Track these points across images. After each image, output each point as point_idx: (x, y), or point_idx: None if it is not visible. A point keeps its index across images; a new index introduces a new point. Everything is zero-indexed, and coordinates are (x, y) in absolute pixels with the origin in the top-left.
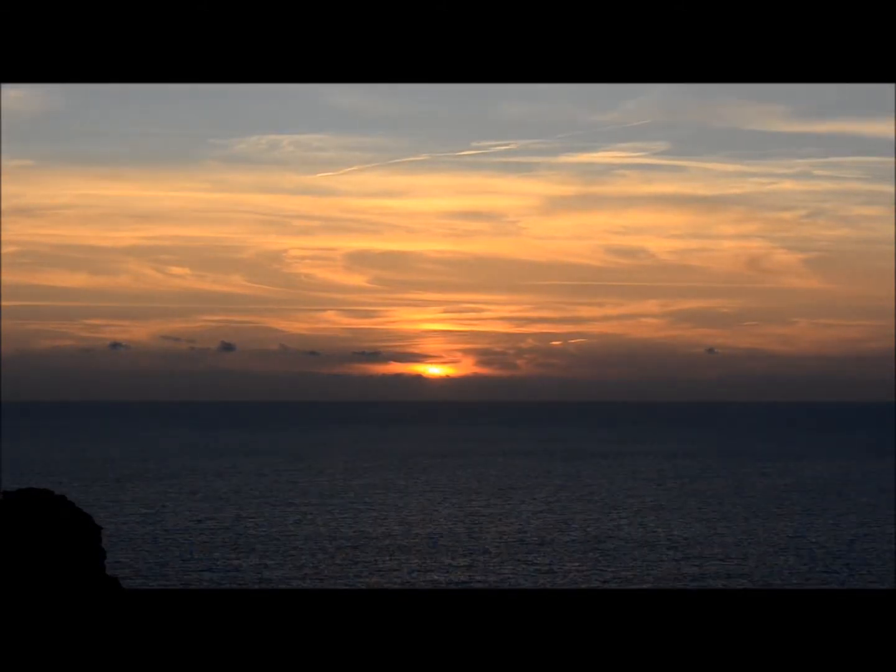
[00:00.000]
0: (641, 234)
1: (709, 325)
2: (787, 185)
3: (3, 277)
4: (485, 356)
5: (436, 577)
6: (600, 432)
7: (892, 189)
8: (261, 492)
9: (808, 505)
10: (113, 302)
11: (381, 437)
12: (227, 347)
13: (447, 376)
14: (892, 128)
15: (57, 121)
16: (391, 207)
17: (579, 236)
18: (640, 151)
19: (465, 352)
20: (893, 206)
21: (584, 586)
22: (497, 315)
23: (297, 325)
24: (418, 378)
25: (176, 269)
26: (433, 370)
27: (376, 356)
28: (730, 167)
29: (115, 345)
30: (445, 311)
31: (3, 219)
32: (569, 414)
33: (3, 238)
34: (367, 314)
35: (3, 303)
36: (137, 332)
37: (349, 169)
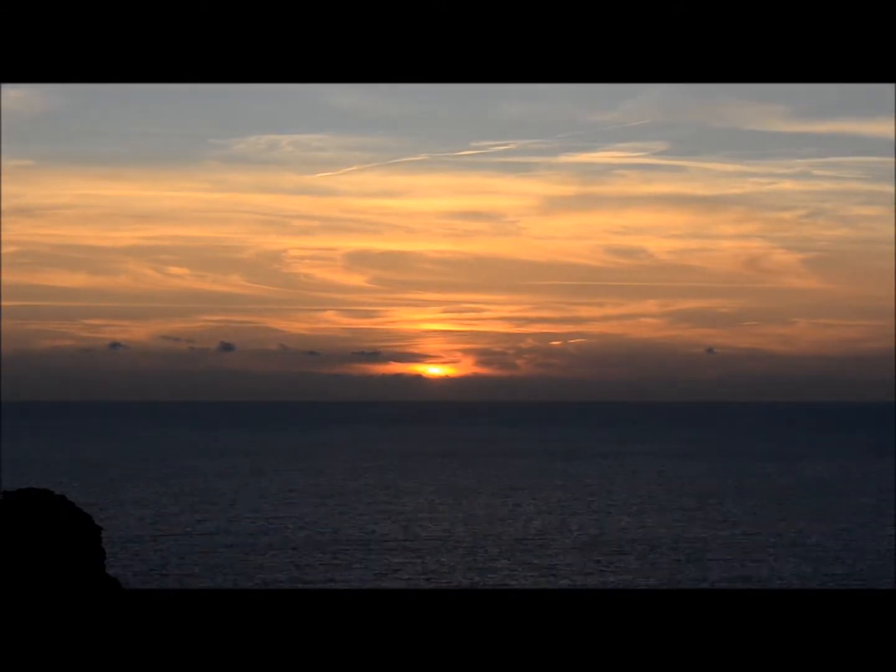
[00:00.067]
0: (641, 234)
1: (708, 325)
2: (787, 185)
3: (3, 277)
4: (484, 356)
5: (436, 578)
6: (600, 432)
7: (892, 189)
8: (261, 492)
9: (808, 505)
10: (113, 302)
11: (381, 437)
12: (227, 347)
13: (447, 376)
14: (892, 128)
15: (57, 121)
16: (391, 207)
17: (579, 236)
18: (639, 151)
19: (465, 352)
20: (893, 206)
21: (584, 586)
22: (497, 315)
23: (296, 325)
24: (418, 378)
25: (175, 269)
26: (433, 370)
27: (376, 356)
28: (729, 167)
29: (115, 345)
30: (445, 311)
31: (3, 219)
32: (568, 414)
33: (3, 238)
34: (367, 314)
35: (3, 303)
36: (137, 332)
37: (349, 169)
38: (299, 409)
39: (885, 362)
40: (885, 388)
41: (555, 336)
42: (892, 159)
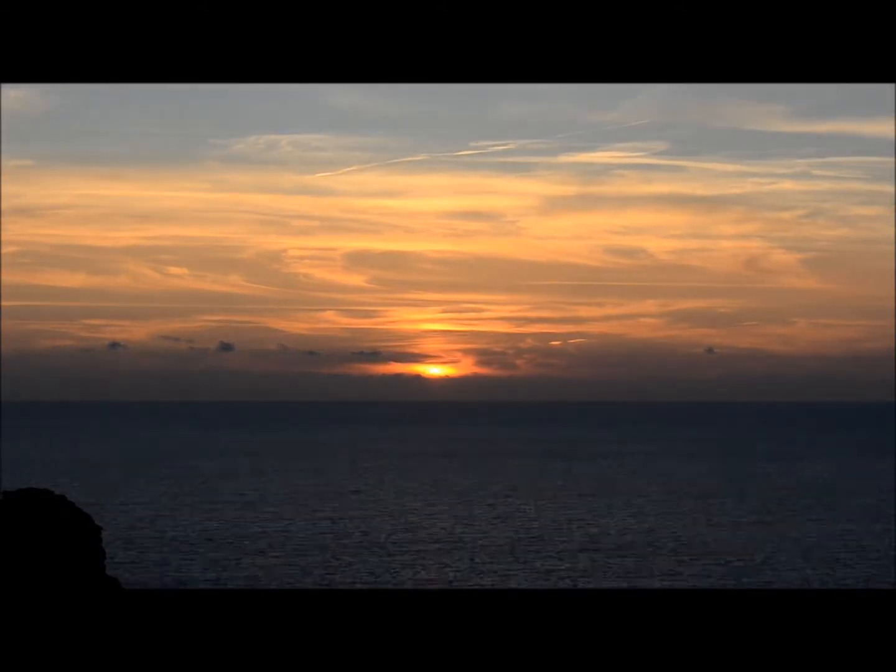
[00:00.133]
0: (640, 234)
1: (708, 325)
2: (787, 185)
3: (3, 277)
4: (484, 356)
5: (436, 578)
6: (600, 432)
7: (892, 189)
8: (261, 492)
9: (808, 505)
10: (112, 302)
11: (381, 437)
12: (227, 347)
13: (447, 376)
14: (892, 128)
15: (57, 121)
16: (390, 207)
17: (578, 236)
18: (639, 151)
19: (465, 352)
20: (893, 206)
21: (584, 586)
22: (496, 315)
23: (296, 325)
24: (418, 378)
25: (175, 269)
26: (433, 370)
27: (376, 356)
28: (729, 167)
29: (115, 345)
30: (445, 311)
31: (3, 219)
32: (568, 414)
33: (3, 238)
34: (367, 314)
35: (3, 303)
36: (136, 332)
37: (348, 169)
38: (299, 409)
39: (884, 362)
40: (885, 388)
41: (555, 336)
42: (892, 159)
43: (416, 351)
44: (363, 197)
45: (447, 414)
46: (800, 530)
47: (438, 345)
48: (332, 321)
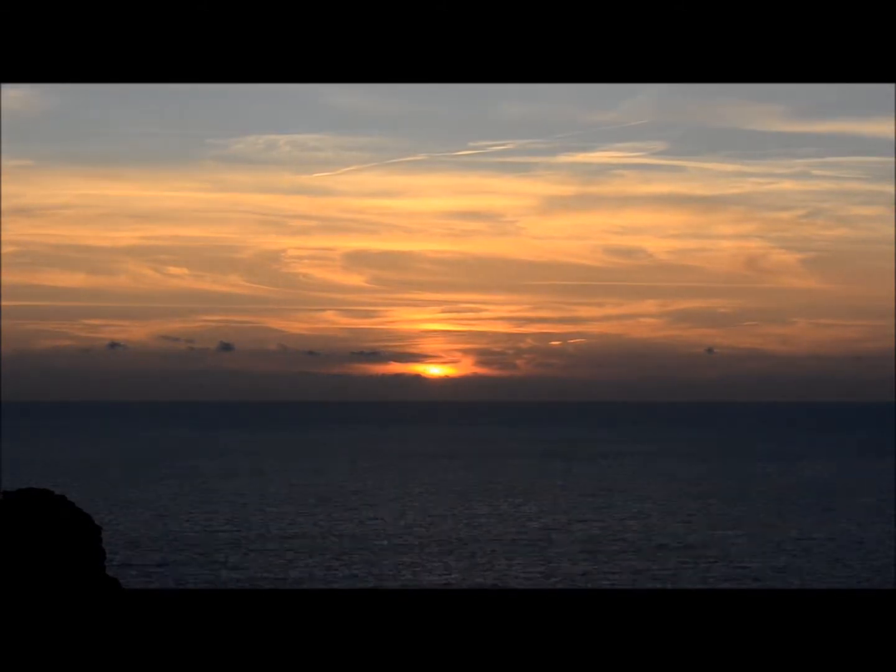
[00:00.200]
0: (640, 233)
1: (708, 325)
2: (786, 184)
3: (3, 277)
4: (484, 356)
5: (436, 578)
6: (600, 432)
7: (892, 189)
8: (261, 492)
9: (809, 505)
10: (112, 302)
11: (381, 437)
12: (226, 347)
13: (447, 376)
14: (892, 128)
15: (57, 121)
16: (389, 207)
17: (578, 236)
18: (638, 151)
19: (465, 352)
20: (893, 206)
21: (584, 586)
22: (496, 315)
23: (296, 325)
24: (418, 378)
25: (174, 269)
26: (433, 370)
27: (376, 356)
28: (728, 167)
29: (114, 345)
30: (444, 311)
31: (2, 219)
32: (568, 414)
33: (2, 238)
34: (366, 314)
35: (3, 303)
36: (136, 332)
37: (346, 169)
38: (299, 409)
39: (884, 362)
40: (885, 388)
41: (554, 336)
42: (892, 159)
43: (415, 351)
44: (362, 197)
45: (447, 414)
46: (800, 530)
47: (438, 345)
48: (331, 321)
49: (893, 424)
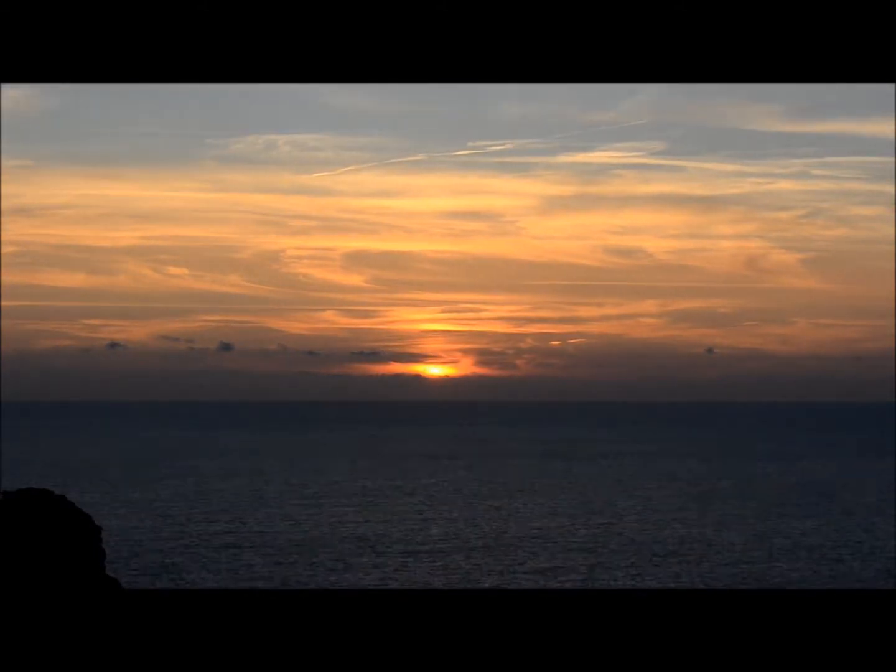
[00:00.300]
0: (639, 233)
1: (707, 325)
2: (786, 184)
3: (3, 277)
4: (484, 356)
5: (436, 578)
6: (600, 432)
7: (892, 189)
8: (261, 492)
9: (809, 505)
10: (111, 302)
11: (381, 437)
12: (226, 347)
13: (447, 376)
14: (892, 128)
15: (57, 121)
16: (388, 207)
17: (577, 236)
18: (637, 151)
19: (465, 352)
20: (893, 206)
21: (584, 586)
22: (496, 315)
23: (295, 325)
24: (418, 378)
25: (174, 269)
26: (433, 370)
27: (375, 356)
28: (728, 167)
29: (114, 345)
30: (444, 311)
31: (2, 219)
32: (568, 414)
33: (2, 238)
34: (366, 314)
35: (3, 303)
36: (136, 332)
37: (346, 169)
38: (299, 409)
39: (884, 362)
40: (885, 388)
41: (554, 336)
42: (892, 159)
43: (415, 351)
44: (361, 197)
45: (447, 414)
46: (800, 530)
47: (438, 345)
48: (331, 321)
49: (893, 424)
